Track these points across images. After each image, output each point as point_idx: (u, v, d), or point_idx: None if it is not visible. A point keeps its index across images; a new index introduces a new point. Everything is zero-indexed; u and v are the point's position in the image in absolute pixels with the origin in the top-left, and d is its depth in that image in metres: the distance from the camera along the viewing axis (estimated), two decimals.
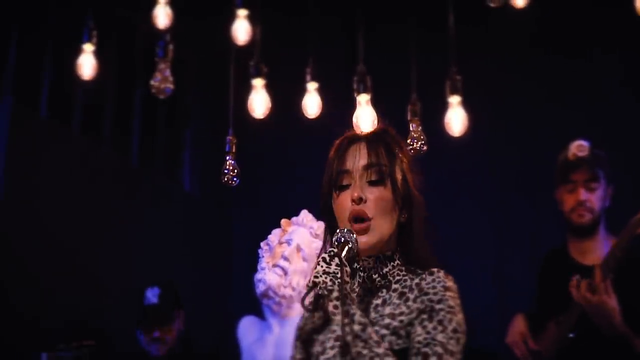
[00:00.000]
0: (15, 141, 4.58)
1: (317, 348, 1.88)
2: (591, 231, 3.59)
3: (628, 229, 3.30)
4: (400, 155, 2.01)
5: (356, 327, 1.79)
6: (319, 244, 3.55)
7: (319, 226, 3.58)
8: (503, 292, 4.74)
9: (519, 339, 3.59)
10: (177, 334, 4.21)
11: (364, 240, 1.92)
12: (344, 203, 1.95)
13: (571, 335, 3.46)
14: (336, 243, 1.87)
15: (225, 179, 3.13)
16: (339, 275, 1.80)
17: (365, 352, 1.77)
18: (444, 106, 2.98)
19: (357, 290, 2.00)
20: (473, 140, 4.69)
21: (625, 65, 4.55)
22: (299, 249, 3.49)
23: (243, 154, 5.74)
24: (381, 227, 1.93)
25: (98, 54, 5.32)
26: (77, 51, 5.09)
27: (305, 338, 1.95)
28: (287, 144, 5.50)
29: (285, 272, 3.42)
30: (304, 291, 3.44)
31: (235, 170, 3.15)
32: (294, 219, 3.61)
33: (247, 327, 3.64)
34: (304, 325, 1.98)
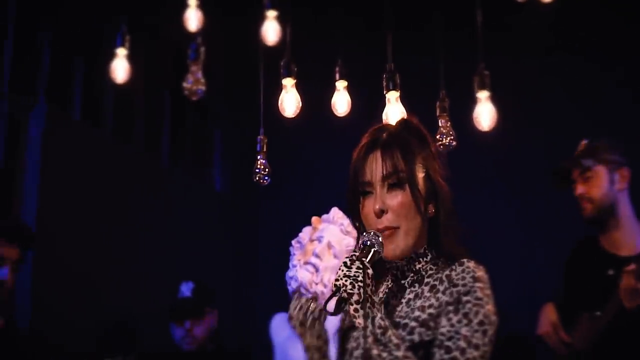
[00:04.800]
0: (51, 144, 4.66)
1: (352, 344, 1.94)
2: (605, 221, 3.54)
3: None
4: (421, 149, 2.02)
5: (376, 331, 1.82)
6: (349, 240, 3.55)
7: (349, 223, 3.61)
8: (530, 281, 4.73)
9: (551, 330, 3.56)
10: (209, 331, 4.27)
11: (391, 247, 1.94)
12: (369, 214, 1.98)
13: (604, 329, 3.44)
14: (361, 246, 1.91)
15: (257, 178, 3.17)
16: (359, 279, 1.82)
17: (384, 354, 1.80)
18: (472, 102, 2.99)
19: (389, 286, 2.04)
20: (498, 133, 4.73)
21: None
22: (329, 246, 3.50)
23: (271, 153, 5.82)
24: (407, 233, 1.95)
25: (127, 56, 5.42)
26: (108, 54, 5.20)
27: (342, 334, 2.00)
28: (313, 143, 5.54)
29: (317, 269, 3.44)
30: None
31: (267, 170, 3.19)
32: (324, 216, 3.62)
33: (279, 324, 3.65)
34: (342, 323, 2.01)
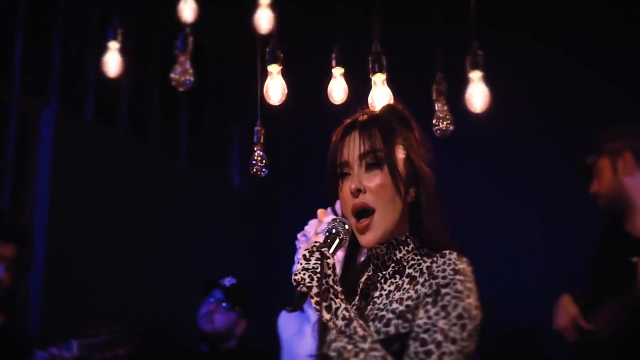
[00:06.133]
0: (62, 145, 4.63)
1: (330, 336, 1.84)
2: (620, 210, 3.41)
3: None
4: (402, 132, 1.91)
5: (340, 323, 1.73)
6: None
7: None
8: (552, 273, 4.61)
9: (568, 322, 3.42)
10: (228, 329, 4.23)
11: (369, 238, 1.85)
12: (346, 195, 1.88)
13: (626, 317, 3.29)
14: (326, 234, 1.82)
15: (254, 170, 3.10)
16: (318, 270, 1.73)
17: (349, 347, 1.71)
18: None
19: (369, 276, 1.94)
20: (522, 120, 4.62)
21: None
22: None
23: (290, 148, 5.76)
24: (385, 218, 1.85)
25: (142, 55, 5.39)
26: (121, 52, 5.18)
27: (322, 325, 1.90)
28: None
29: None
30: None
31: (264, 161, 3.12)
32: (330, 208, 3.55)
33: (286, 320, 3.60)
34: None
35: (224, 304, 4.19)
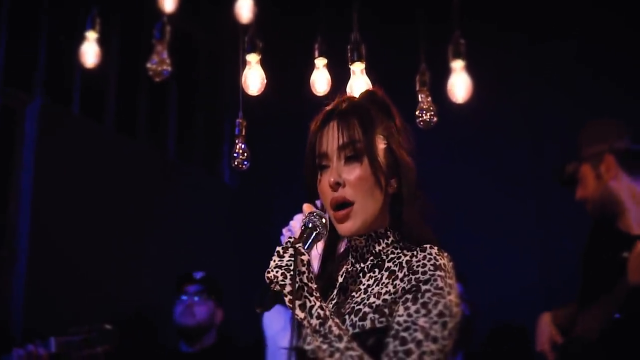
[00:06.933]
0: (47, 140, 4.57)
1: (306, 330, 1.78)
2: (611, 211, 3.37)
3: None
4: (382, 120, 1.86)
5: (314, 322, 1.68)
6: None
7: None
8: (548, 272, 4.56)
9: (546, 344, 3.40)
10: (210, 319, 4.19)
11: (347, 226, 1.80)
12: (325, 188, 1.82)
13: (617, 316, 3.23)
14: (302, 228, 1.78)
15: (236, 163, 3.05)
16: (292, 267, 1.67)
17: (324, 347, 1.66)
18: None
19: (348, 269, 1.90)
20: (507, 112, 4.58)
21: None
22: None
23: (281, 143, 5.70)
24: (365, 209, 1.80)
25: (130, 49, 5.33)
26: (108, 45, 5.12)
27: (297, 321, 1.85)
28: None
29: None
30: None
31: (245, 154, 3.06)
32: (317, 202, 3.50)
33: (272, 316, 3.55)
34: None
35: (197, 297, 4.16)
